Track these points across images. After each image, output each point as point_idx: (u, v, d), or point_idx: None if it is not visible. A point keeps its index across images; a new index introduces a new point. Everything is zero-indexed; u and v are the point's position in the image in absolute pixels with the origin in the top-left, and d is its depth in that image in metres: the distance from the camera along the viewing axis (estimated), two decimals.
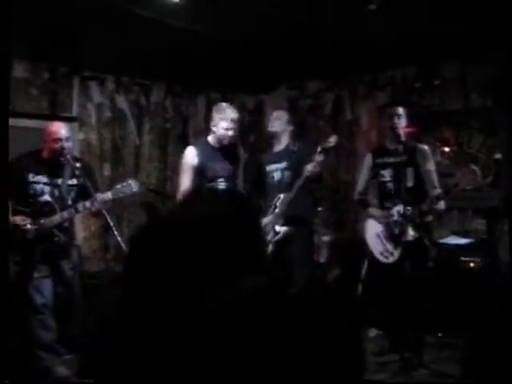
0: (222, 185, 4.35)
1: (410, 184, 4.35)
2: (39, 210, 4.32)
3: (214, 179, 4.37)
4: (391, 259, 4.38)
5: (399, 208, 4.32)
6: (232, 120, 4.33)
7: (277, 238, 4.45)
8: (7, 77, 1.67)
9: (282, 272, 4.30)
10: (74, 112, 6.05)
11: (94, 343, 1.45)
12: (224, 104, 4.57)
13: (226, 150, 4.45)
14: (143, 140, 6.65)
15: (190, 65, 5.70)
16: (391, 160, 4.50)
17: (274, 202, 4.54)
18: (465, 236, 5.56)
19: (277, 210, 4.51)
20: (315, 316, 1.32)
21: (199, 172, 4.41)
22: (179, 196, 4.49)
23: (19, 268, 4.24)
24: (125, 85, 6.45)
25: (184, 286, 1.31)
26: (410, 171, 4.38)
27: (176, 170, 6.71)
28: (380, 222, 4.48)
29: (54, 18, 4.22)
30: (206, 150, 4.45)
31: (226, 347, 1.24)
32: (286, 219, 4.51)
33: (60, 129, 4.42)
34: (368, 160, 4.71)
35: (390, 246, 4.40)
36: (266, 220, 4.45)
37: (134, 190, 4.22)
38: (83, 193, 4.36)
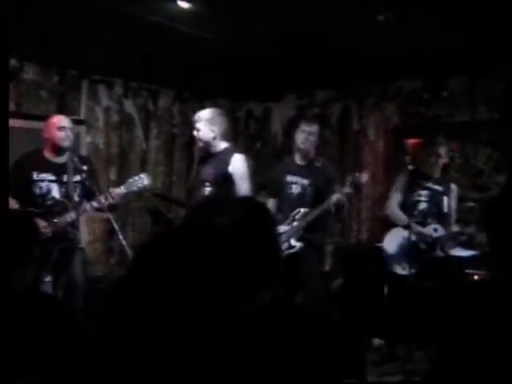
0: (206, 189, 4.38)
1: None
2: (51, 209, 4.25)
3: (201, 183, 4.45)
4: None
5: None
6: (195, 125, 4.40)
7: (292, 251, 4.41)
8: (6, 78, 1.68)
9: (293, 285, 4.22)
10: (82, 115, 6.07)
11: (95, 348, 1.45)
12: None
13: (214, 155, 4.45)
14: (150, 145, 6.67)
15: (199, 71, 5.71)
16: None
17: (293, 214, 4.50)
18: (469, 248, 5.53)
19: (295, 223, 4.48)
20: (322, 330, 1.33)
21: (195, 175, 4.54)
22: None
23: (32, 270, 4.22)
24: (133, 89, 6.48)
25: (199, 294, 1.32)
26: None
27: (182, 175, 6.76)
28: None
29: (64, 22, 4.25)
30: (200, 156, 4.58)
31: (236, 355, 1.25)
32: (303, 235, 4.47)
33: (63, 118, 4.40)
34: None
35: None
36: (281, 229, 4.41)
37: (146, 183, 4.29)
38: (87, 189, 4.34)
